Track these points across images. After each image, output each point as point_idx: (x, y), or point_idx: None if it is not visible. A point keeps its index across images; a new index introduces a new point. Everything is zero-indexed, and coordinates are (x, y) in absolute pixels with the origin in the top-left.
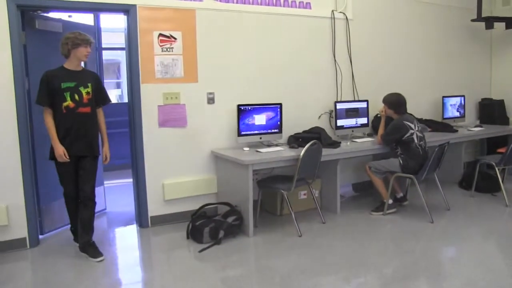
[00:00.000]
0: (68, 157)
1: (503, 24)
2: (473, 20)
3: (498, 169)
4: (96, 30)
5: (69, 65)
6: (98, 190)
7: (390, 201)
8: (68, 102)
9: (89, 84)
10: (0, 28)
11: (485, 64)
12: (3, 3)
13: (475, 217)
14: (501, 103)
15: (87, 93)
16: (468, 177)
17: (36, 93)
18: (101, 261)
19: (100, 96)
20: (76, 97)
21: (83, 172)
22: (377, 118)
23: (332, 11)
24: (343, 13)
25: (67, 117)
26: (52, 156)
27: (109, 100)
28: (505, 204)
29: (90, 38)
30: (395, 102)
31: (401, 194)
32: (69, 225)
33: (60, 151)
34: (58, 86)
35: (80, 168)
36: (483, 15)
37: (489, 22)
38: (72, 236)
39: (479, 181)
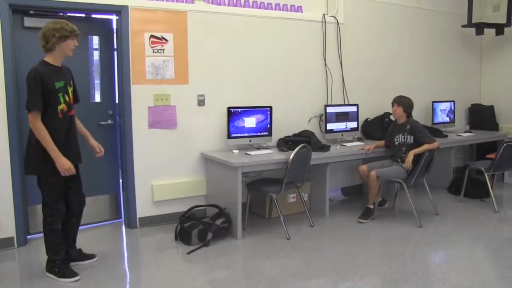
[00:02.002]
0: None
1: (493, 30)
2: (463, 26)
3: (488, 175)
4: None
5: (53, 60)
6: None
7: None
8: (63, 105)
9: (71, 82)
10: None
11: (475, 70)
12: None
13: (463, 222)
14: (490, 108)
15: (72, 92)
16: (457, 183)
17: (27, 96)
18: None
19: (76, 95)
20: (67, 98)
21: (75, 182)
22: (367, 122)
23: (324, 15)
24: (334, 17)
25: (64, 122)
26: (36, 171)
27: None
28: (494, 210)
29: (77, 29)
30: (411, 105)
31: (380, 198)
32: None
33: (68, 163)
34: (52, 87)
35: (72, 178)
36: (474, 21)
37: (480, 28)
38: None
39: (468, 187)
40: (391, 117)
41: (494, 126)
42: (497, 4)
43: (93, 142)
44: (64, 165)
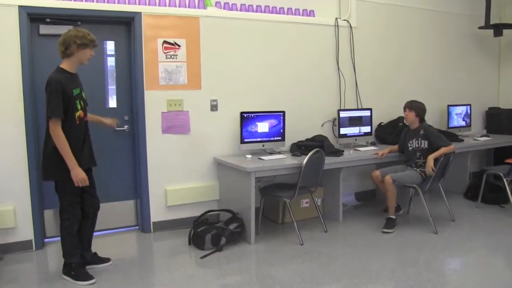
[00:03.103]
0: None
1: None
2: (481, 28)
3: (507, 180)
4: None
5: (69, 67)
6: None
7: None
8: (80, 112)
9: (82, 88)
10: (11, 36)
11: (493, 72)
12: (15, 12)
13: (481, 229)
14: (509, 112)
15: (86, 98)
16: (474, 188)
17: (48, 104)
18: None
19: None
20: (82, 104)
21: (90, 186)
22: (380, 127)
23: (336, 19)
24: (347, 21)
25: (81, 128)
26: (54, 176)
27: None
28: None
29: (95, 39)
30: (424, 109)
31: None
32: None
33: (83, 174)
34: (71, 94)
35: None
36: (492, 22)
37: (498, 29)
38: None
39: (486, 192)
40: (405, 121)
41: None
42: None
43: (107, 120)
44: (78, 175)
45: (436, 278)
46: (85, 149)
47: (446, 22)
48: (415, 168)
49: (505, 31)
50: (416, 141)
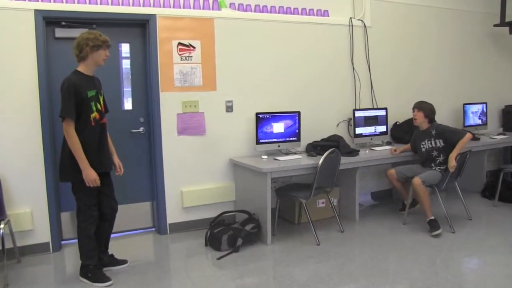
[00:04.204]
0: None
1: None
2: (496, 25)
3: None
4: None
5: (86, 70)
6: None
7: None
8: (95, 113)
9: (102, 92)
10: (27, 40)
11: (509, 70)
12: (31, 16)
13: (498, 227)
14: None
15: (103, 101)
16: (491, 186)
17: (61, 105)
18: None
19: (105, 104)
20: (99, 106)
21: (108, 188)
22: (396, 126)
23: (350, 18)
24: (361, 21)
25: (96, 130)
26: (70, 178)
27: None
28: None
29: (109, 40)
30: (433, 110)
31: (411, 199)
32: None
33: (94, 175)
34: (85, 95)
35: (105, 184)
36: (507, 19)
37: None
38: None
39: (503, 191)
40: (414, 122)
41: None
42: None
43: (116, 159)
44: (90, 175)
45: (454, 278)
46: (101, 151)
47: (461, 20)
48: (434, 168)
49: None
50: (429, 142)
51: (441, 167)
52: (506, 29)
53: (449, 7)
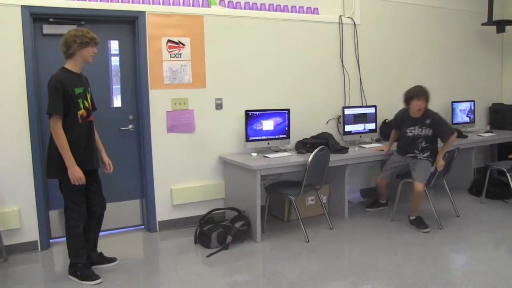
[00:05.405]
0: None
1: None
2: (484, 24)
3: (510, 175)
4: None
5: (73, 67)
6: None
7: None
8: (82, 111)
9: (89, 89)
10: (15, 36)
11: (496, 69)
12: (18, 12)
13: (486, 224)
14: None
15: (91, 98)
16: (479, 184)
17: (49, 101)
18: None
19: (93, 102)
20: (86, 103)
21: (96, 186)
22: (385, 124)
23: (340, 16)
24: (351, 18)
25: (83, 128)
26: (58, 175)
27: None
28: None
29: (96, 37)
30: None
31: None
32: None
33: (79, 173)
34: (73, 92)
35: (93, 182)
36: (494, 18)
37: (501, 25)
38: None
39: (490, 188)
40: (415, 110)
41: None
42: None
43: (105, 157)
44: (75, 174)
45: (442, 274)
46: (89, 149)
47: (450, 19)
48: (419, 155)
49: (508, 27)
50: (419, 129)
51: (425, 154)
52: (494, 28)
53: (438, 6)
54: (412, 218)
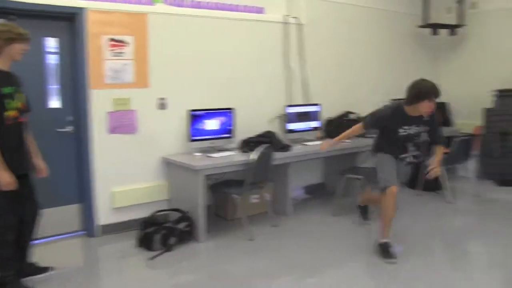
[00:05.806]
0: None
1: (447, 31)
2: (420, 26)
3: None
4: None
5: (1, 65)
6: None
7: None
8: (12, 112)
9: (21, 89)
10: None
11: (431, 69)
12: None
13: (421, 214)
14: (444, 106)
15: (23, 98)
16: (414, 178)
17: None
18: None
19: (28, 102)
20: (18, 104)
21: (28, 191)
22: (329, 122)
23: (285, 16)
24: (296, 18)
25: (13, 130)
26: None
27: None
28: (449, 200)
29: (27, 32)
30: None
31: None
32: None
33: (8, 178)
34: (0, 92)
35: (24, 187)
36: (430, 21)
37: (435, 28)
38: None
39: (425, 181)
40: (427, 112)
41: (448, 122)
42: (450, 7)
43: (38, 161)
44: (4, 179)
45: (382, 263)
46: (20, 152)
47: (389, 20)
48: (407, 155)
49: (441, 31)
50: (416, 127)
51: (415, 153)
52: (429, 30)
53: (377, 7)
54: (361, 205)
